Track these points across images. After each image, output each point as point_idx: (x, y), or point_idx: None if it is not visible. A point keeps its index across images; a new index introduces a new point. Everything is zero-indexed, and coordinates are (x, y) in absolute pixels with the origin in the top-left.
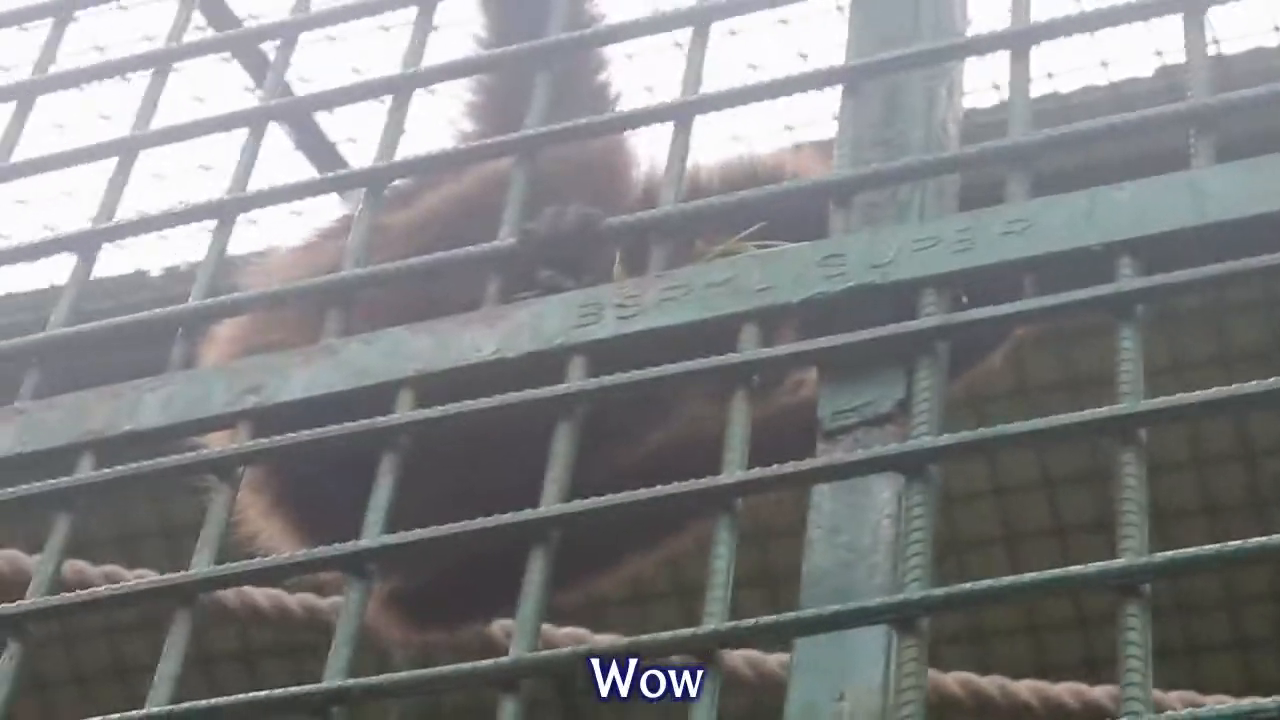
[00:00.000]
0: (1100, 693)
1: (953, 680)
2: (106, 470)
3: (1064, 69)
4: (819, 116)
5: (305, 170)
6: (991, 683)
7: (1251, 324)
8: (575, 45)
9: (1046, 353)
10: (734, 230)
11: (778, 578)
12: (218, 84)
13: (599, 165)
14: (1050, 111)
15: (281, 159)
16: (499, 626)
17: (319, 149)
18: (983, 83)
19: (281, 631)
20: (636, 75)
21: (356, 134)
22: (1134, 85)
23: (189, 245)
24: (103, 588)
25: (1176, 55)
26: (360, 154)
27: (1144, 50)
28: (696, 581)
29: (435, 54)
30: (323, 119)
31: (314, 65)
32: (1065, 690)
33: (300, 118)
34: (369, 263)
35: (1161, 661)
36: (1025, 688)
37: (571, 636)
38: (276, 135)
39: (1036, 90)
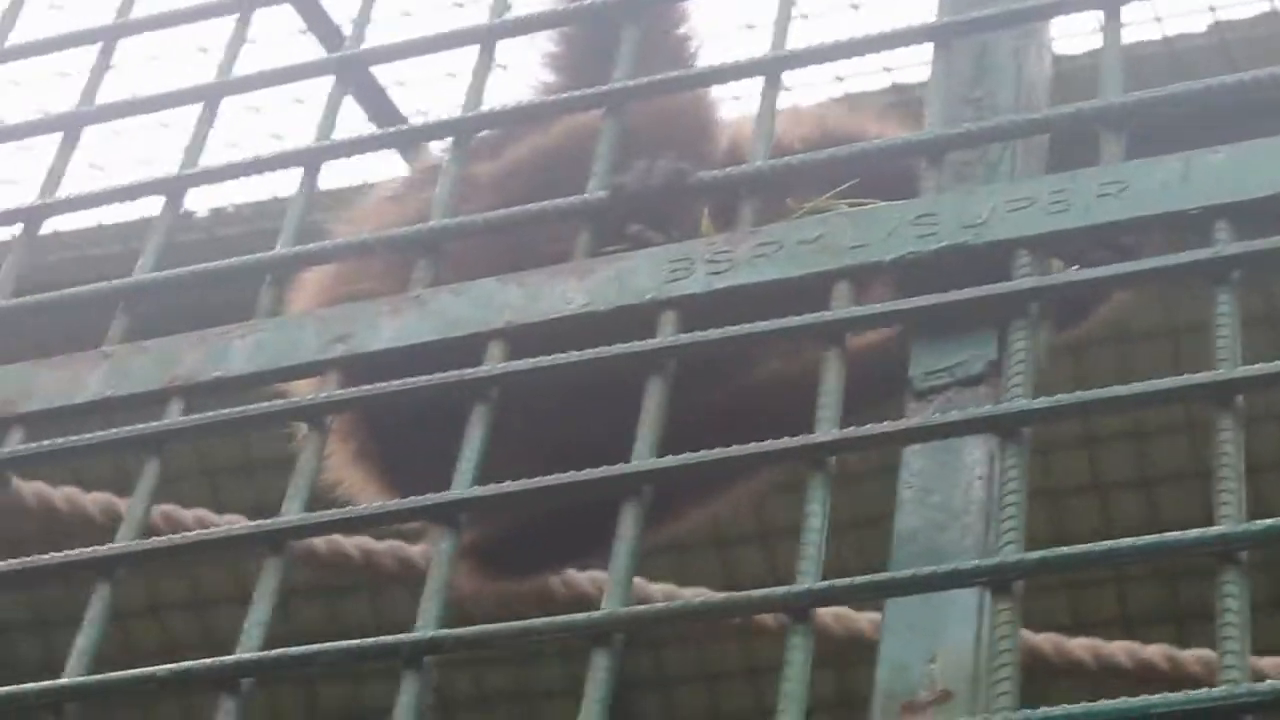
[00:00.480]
0: (1190, 657)
1: (1044, 641)
2: (195, 416)
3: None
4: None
5: (354, 115)
6: (1082, 645)
7: None
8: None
9: (1146, 297)
10: (824, 188)
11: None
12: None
13: (686, 119)
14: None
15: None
16: (590, 580)
17: (371, 93)
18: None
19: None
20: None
21: (405, 78)
22: (1187, 40)
23: (236, 187)
24: (193, 533)
25: (1230, 11)
26: (409, 99)
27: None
28: (778, 524)
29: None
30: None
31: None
32: (1157, 652)
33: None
34: (456, 213)
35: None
36: (1119, 649)
37: (663, 592)
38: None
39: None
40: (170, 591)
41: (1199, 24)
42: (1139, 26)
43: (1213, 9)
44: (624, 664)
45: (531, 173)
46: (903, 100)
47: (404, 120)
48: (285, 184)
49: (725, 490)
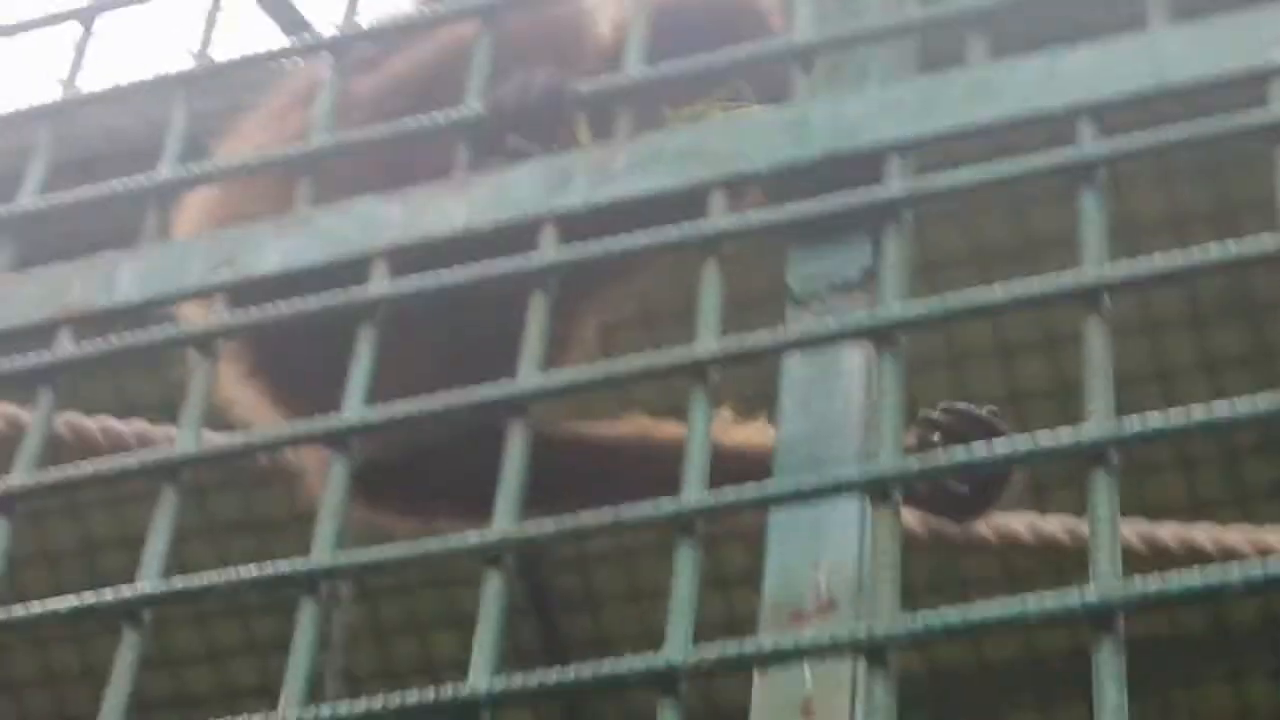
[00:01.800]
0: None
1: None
2: (87, 347)
3: None
4: None
5: (268, 28)
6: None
7: (1200, 187)
8: None
9: (1001, 218)
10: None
11: None
12: None
13: (563, 26)
14: None
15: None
16: None
17: (281, 9)
18: None
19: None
20: None
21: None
22: None
23: None
24: (88, 464)
25: None
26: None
27: None
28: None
29: None
30: None
31: None
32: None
33: None
34: (337, 130)
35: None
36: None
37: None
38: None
39: None
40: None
41: None
42: None
43: None
44: (553, 585)
45: (411, 87)
46: None
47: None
48: None
49: None
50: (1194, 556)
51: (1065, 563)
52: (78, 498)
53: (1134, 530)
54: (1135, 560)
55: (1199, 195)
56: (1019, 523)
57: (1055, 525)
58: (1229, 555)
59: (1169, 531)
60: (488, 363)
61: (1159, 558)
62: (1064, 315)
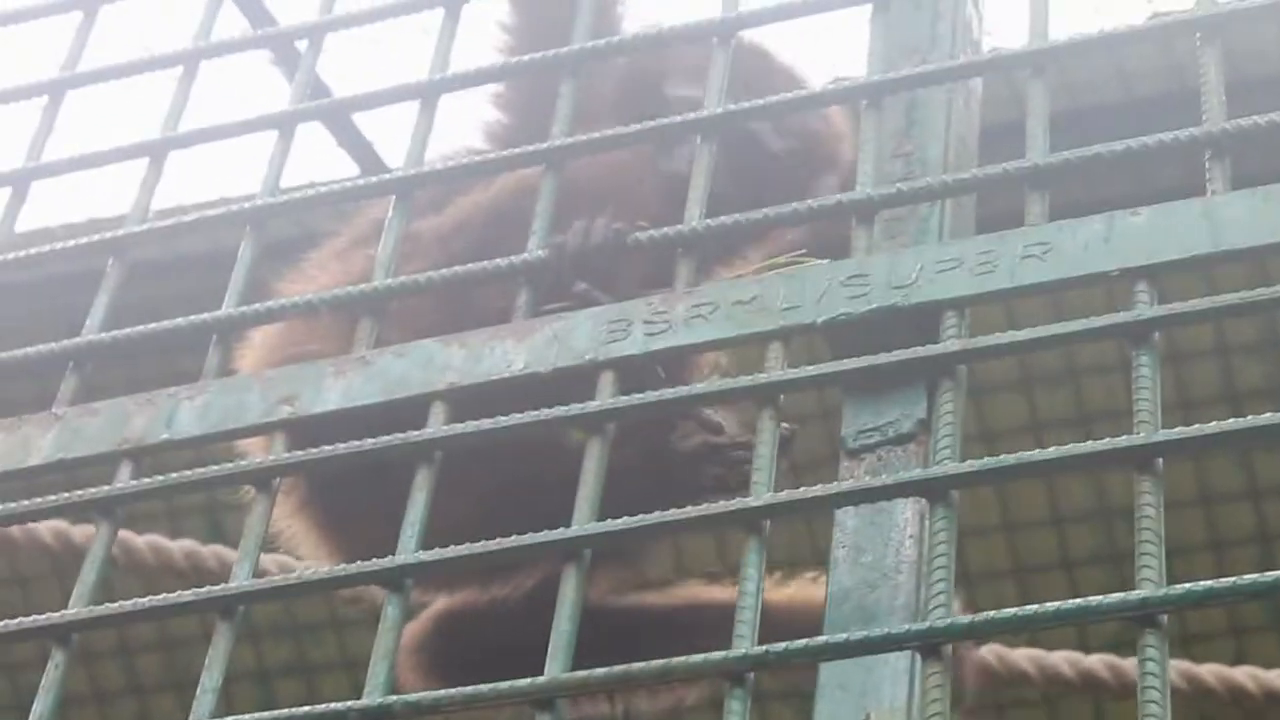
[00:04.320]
0: None
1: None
2: (146, 480)
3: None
4: None
5: (347, 166)
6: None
7: (1258, 361)
8: (601, 53)
9: (1058, 388)
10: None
11: None
12: (249, 75)
13: (627, 171)
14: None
15: (323, 155)
16: None
17: (358, 145)
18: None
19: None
20: None
21: (395, 129)
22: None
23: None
24: (145, 600)
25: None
26: (396, 150)
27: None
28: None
29: (465, 52)
30: (361, 117)
31: (353, 62)
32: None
33: (336, 118)
34: (400, 271)
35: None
36: (1061, 659)
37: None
38: (317, 131)
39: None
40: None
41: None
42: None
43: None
44: None
45: (474, 230)
46: None
47: (384, 166)
48: None
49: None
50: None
51: (1106, 702)
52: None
53: (1177, 671)
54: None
55: (1254, 369)
56: (1060, 659)
57: (1096, 661)
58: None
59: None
60: (542, 506)
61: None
62: (1117, 482)
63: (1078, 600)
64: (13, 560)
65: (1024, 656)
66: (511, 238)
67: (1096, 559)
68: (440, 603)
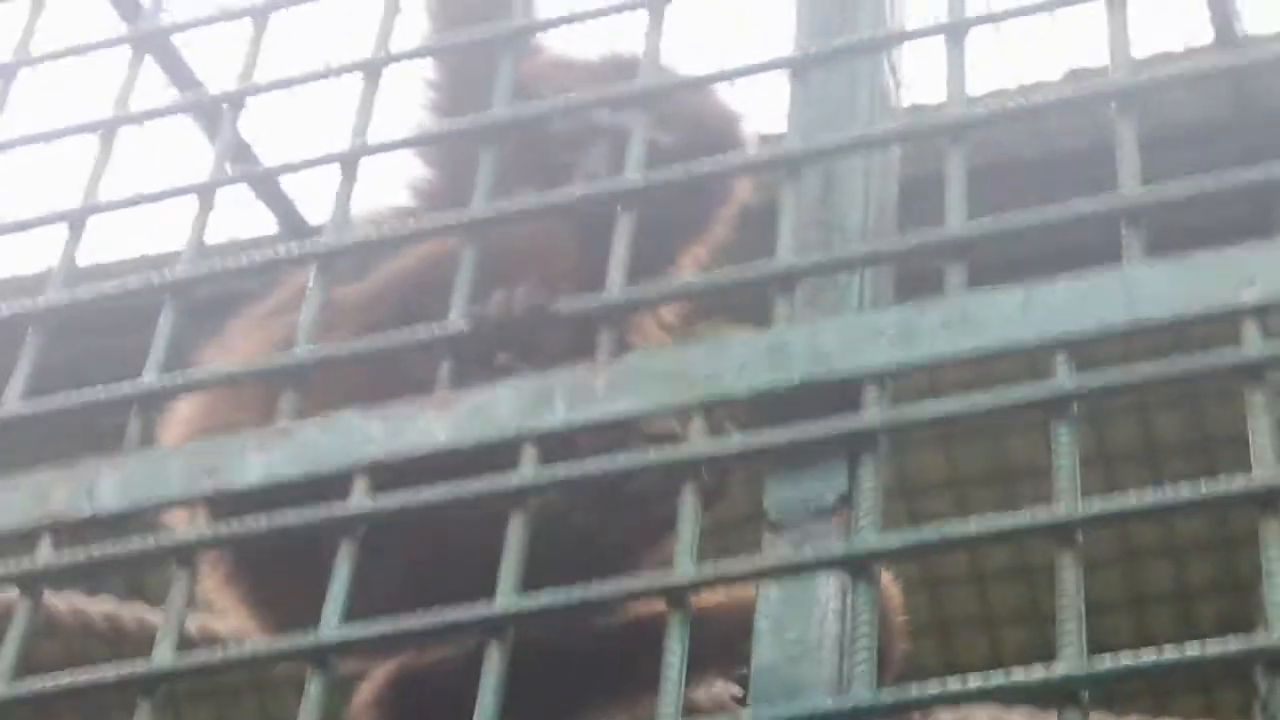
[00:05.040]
0: None
1: None
2: (68, 555)
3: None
4: None
5: (265, 218)
6: None
7: (1174, 419)
8: (521, 120)
9: (977, 445)
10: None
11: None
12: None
13: (545, 238)
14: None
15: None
16: None
17: (277, 200)
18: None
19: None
20: None
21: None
22: (1043, 90)
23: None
24: (66, 677)
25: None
26: (316, 204)
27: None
28: None
29: (389, 102)
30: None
31: (271, 112)
32: None
33: (261, 184)
34: (323, 339)
35: None
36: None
37: None
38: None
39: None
40: None
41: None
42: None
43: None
44: None
45: (395, 298)
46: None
47: (304, 223)
48: None
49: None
50: None
51: None
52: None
53: None
54: None
55: (1173, 425)
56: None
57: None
58: None
59: None
60: (465, 580)
61: None
62: (1037, 545)
63: (1000, 677)
64: None
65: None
66: (433, 305)
67: (1019, 618)
68: (392, 662)
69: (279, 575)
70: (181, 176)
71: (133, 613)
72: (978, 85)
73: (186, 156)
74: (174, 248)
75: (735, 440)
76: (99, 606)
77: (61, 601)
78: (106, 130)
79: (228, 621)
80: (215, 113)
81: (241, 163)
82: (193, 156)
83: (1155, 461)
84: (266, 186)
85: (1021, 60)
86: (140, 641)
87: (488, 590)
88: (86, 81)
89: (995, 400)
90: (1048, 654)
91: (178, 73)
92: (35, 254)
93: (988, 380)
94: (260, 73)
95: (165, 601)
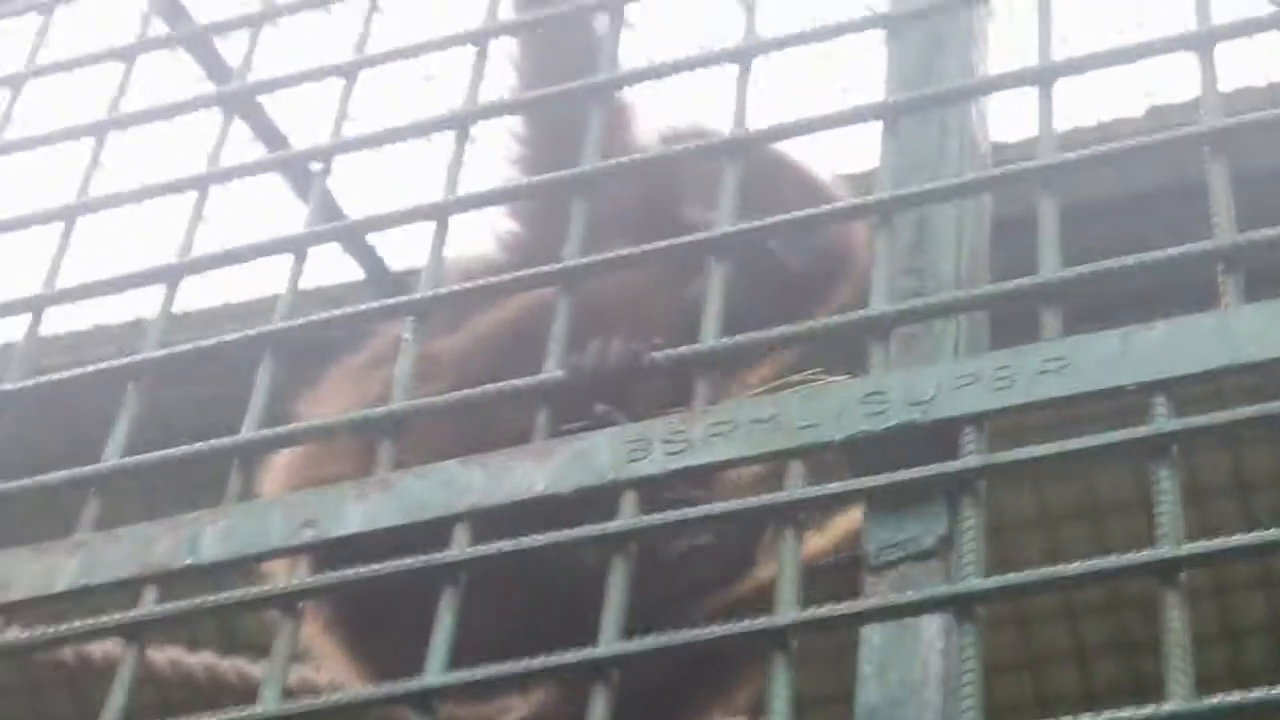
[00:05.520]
0: None
1: None
2: (170, 605)
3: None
4: None
5: (352, 270)
6: None
7: (1268, 452)
8: (610, 173)
9: (1068, 482)
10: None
11: None
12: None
13: (641, 290)
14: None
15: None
16: None
17: (365, 254)
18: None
19: None
20: None
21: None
22: (1123, 126)
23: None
24: None
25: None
26: (400, 254)
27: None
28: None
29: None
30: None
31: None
32: None
33: (351, 238)
34: (418, 392)
35: None
36: None
37: None
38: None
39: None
40: None
41: (1137, 108)
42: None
43: (1149, 94)
44: None
45: (490, 349)
46: None
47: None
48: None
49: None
50: None
51: None
52: None
53: None
54: None
55: (1263, 459)
56: None
57: None
58: None
59: None
60: (566, 625)
61: None
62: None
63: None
64: (23, 666)
65: None
66: (528, 356)
67: (1109, 652)
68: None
69: (378, 622)
70: (271, 229)
71: (232, 666)
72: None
73: (269, 202)
74: (243, 296)
75: (834, 485)
76: (199, 658)
77: (196, 659)
78: (200, 188)
79: (327, 667)
80: (303, 170)
81: (330, 215)
82: (269, 200)
83: (1245, 495)
84: (356, 242)
85: (1100, 97)
86: (241, 692)
87: (573, 633)
88: (174, 141)
89: (1093, 442)
90: (1138, 686)
91: (264, 129)
92: (124, 306)
93: (1074, 421)
94: (347, 127)
95: (269, 651)
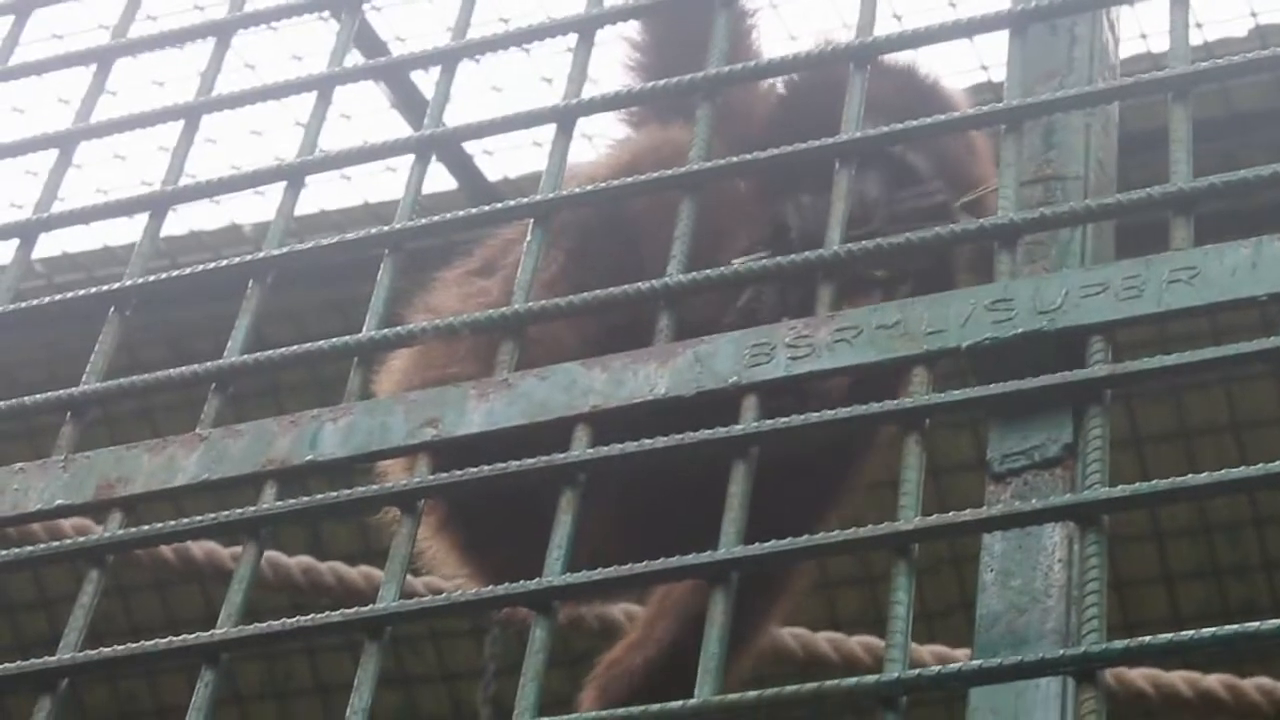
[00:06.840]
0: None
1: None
2: (291, 501)
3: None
4: None
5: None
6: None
7: None
8: (734, 79)
9: (1208, 394)
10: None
11: None
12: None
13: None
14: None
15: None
16: None
17: (458, 163)
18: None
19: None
20: None
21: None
22: (1228, 45)
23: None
24: (294, 620)
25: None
26: (494, 165)
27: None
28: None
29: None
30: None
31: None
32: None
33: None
34: (538, 294)
35: None
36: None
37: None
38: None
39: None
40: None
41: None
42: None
43: (1254, 14)
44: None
45: (606, 252)
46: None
47: (489, 187)
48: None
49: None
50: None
51: None
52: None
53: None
54: None
55: None
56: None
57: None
58: None
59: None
60: (682, 527)
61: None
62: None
63: (1233, 627)
64: (153, 567)
65: (1179, 678)
66: (650, 257)
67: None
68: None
69: (492, 525)
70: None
71: (362, 573)
72: (1159, 43)
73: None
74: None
75: (959, 392)
76: (329, 566)
77: (294, 562)
78: (322, 90)
79: (440, 570)
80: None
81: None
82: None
83: None
84: (450, 148)
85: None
86: (338, 597)
87: (696, 540)
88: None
89: (1222, 353)
90: (1225, 610)
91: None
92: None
93: (1215, 334)
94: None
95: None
